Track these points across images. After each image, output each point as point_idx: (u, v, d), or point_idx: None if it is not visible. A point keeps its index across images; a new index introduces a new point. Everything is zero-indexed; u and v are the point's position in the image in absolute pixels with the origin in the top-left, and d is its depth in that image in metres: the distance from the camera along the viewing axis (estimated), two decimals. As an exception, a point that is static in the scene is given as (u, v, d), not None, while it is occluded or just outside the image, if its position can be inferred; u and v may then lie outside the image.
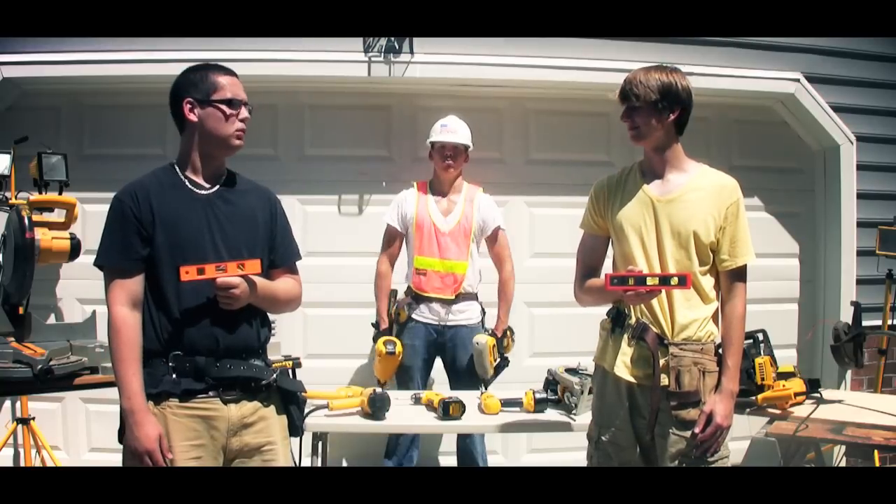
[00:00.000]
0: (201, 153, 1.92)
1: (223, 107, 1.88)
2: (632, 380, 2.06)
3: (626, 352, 2.07)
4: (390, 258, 3.37)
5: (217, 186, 1.94)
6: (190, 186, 1.91)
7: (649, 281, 1.94)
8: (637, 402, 2.08)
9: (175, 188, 1.90)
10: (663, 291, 2.00)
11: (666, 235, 2.05)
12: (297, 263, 2.09)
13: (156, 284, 1.85)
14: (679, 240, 2.04)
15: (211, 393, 1.85)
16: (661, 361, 2.01)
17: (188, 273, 1.79)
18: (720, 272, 2.09)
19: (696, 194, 2.06)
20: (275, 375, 1.95)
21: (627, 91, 2.06)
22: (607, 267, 2.21)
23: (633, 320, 2.07)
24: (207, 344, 1.85)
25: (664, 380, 2.01)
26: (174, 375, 1.83)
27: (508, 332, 3.33)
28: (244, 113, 1.91)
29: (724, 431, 2.01)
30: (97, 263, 1.87)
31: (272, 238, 2.01)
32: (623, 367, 2.07)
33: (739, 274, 2.08)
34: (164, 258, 1.84)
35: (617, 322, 2.11)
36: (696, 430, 2.00)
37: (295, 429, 2.01)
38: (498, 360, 3.20)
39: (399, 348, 3.15)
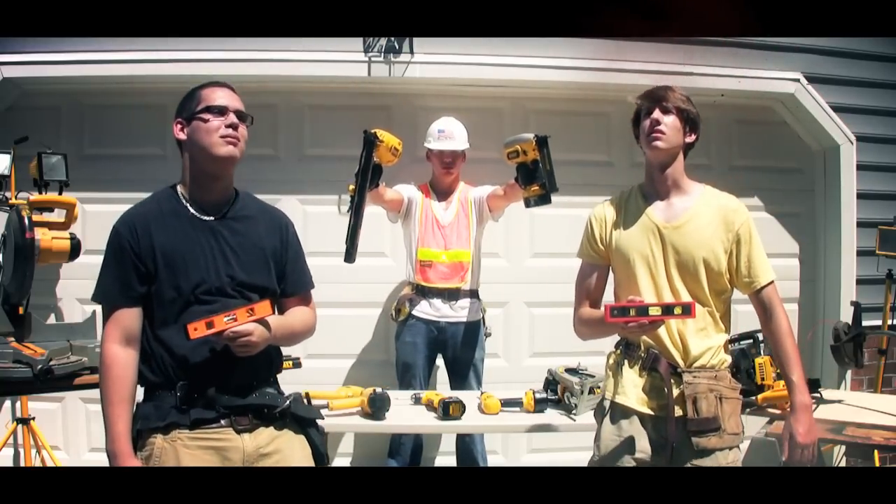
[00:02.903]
0: (198, 172, 1.82)
1: (203, 115, 1.78)
2: (647, 411, 2.00)
3: (637, 383, 2.01)
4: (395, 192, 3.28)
5: (223, 212, 1.84)
6: (193, 212, 1.81)
7: (652, 311, 1.82)
8: (651, 436, 1.99)
9: (177, 217, 1.80)
10: (673, 323, 1.95)
11: (674, 264, 1.99)
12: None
13: (159, 321, 1.76)
14: (689, 268, 1.98)
15: (223, 422, 1.75)
16: (676, 391, 1.95)
17: (196, 329, 1.67)
18: (749, 296, 2.04)
19: (703, 220, 2.00)
20: (288, 402, 1.85)
21: (666, 94, 2.02)
22: (608, 296, 2.14)
23: (643, 351, 2.01)
24: (216, 382, 1.76)
25: (679, 410, 1.94)
26: (182, 405, 1.73)
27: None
28: (232, 118, 1.78)
29: (809, 447, 1.94)
30: (95, 300, 1.79)
31: (282, 266, 1.91)
32: (636, 400, 2.01)
33: (768, 292, 2.02)
34: (167, 294, 1.75)
35: (627, 353, 2.05)
36: (783, 457, 1.94)
37: (321, 456, 1.88)
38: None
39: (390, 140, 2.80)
